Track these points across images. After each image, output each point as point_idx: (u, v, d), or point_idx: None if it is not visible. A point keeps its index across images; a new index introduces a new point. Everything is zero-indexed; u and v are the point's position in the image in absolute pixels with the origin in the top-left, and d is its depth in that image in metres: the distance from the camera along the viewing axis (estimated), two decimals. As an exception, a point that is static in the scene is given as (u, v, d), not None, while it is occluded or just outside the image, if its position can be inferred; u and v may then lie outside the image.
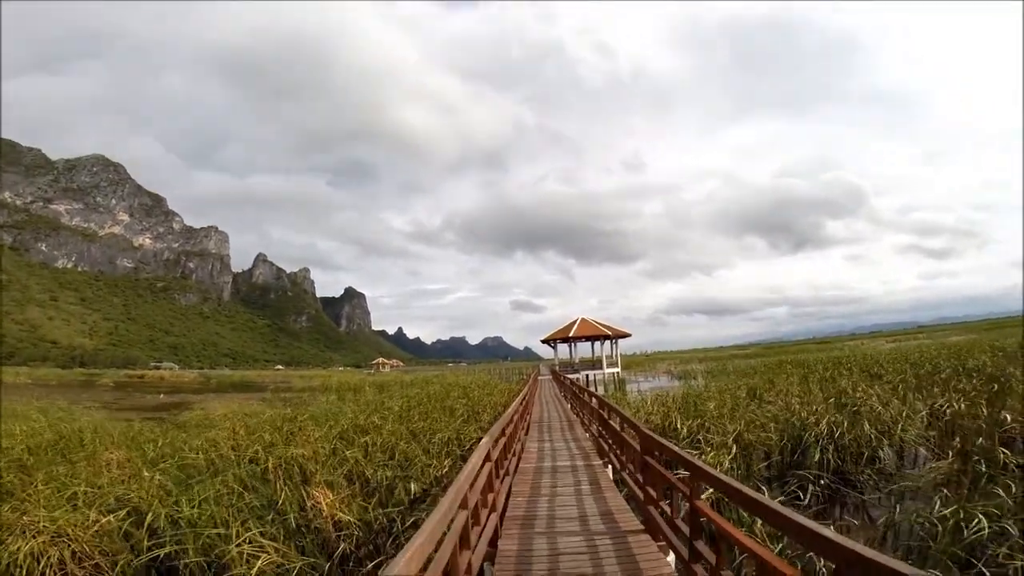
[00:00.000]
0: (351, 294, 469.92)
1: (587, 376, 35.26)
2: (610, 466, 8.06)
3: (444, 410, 15.14)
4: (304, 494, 6.67)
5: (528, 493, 6.43)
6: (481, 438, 5.50)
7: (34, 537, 5.43)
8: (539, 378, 33.19)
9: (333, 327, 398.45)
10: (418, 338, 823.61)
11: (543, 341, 41.85)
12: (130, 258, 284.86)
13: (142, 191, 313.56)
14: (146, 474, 7.49)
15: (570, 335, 38.62)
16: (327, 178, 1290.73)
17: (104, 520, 5.90)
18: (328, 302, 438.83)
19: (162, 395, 40.90)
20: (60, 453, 9.77)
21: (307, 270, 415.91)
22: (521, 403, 10.12)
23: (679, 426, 11.28)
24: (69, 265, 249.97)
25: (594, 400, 10.70)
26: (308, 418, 14.19)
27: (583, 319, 39.54)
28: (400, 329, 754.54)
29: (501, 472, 5.88)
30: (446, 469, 8.74)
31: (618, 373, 38.55)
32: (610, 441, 8.23)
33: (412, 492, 7.55)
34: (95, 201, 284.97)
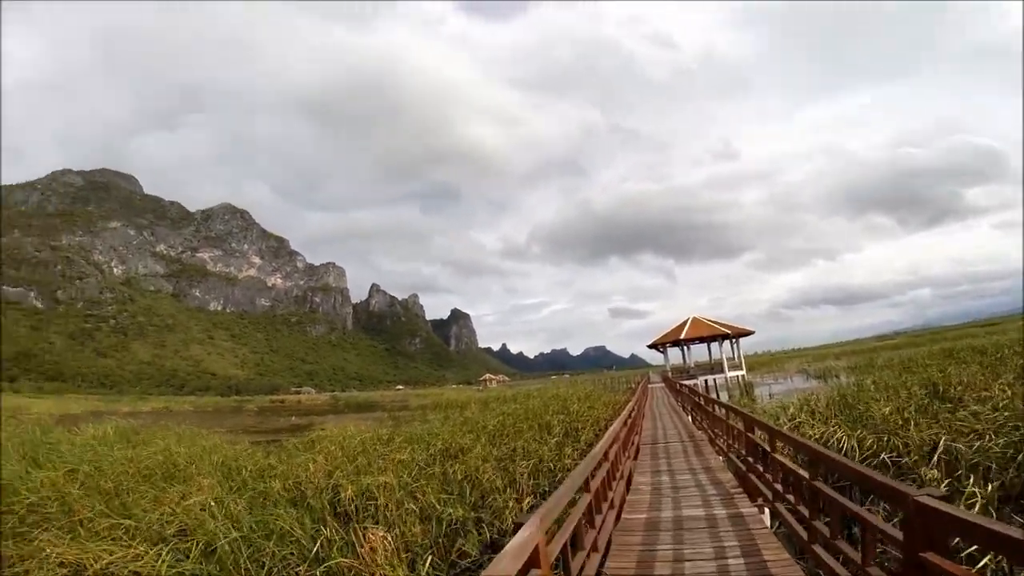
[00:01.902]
0: (457, 315, 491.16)
1: (706, 382, 31.65)
2: (767, 510, 5.94)
3: (540, 427, 13.68)
4: (358, 536, 5.59)
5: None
6: (576, 464, 3.96)
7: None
8: (649, 386, 30.38)
9: (444, 347, 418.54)
10: (521, 352, 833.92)
11: (651, 346, 38.74)
12: (266, 297, 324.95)
13: (267, 235, 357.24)
14: (211, 503, 7.04)
15: (681, 337, 35.14)
16: (419, 205, 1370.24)
17: (149, 552, 5.36)
18: (437, 324, 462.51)
19: (293, 417, 44.47)
20: (165, 478, 10.04)
21: (416, 295, 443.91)
22: (626, 420, 8.25)
23: (844, 438, 8.63)
24: (219, 307, 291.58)
25: (735, 421, 8.35)
26: (404, 440, 13.58)
27: (695, 318, 35.88)
28: (504, 345, 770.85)
29: (586, 546, 4.09)
30: (527, 507, 7.22)
31: (743, 376, 34.21)
32: (769, 477, 5.90)
33: (487, 538, 6.16)
34: (231, 247, 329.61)
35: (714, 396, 20.00)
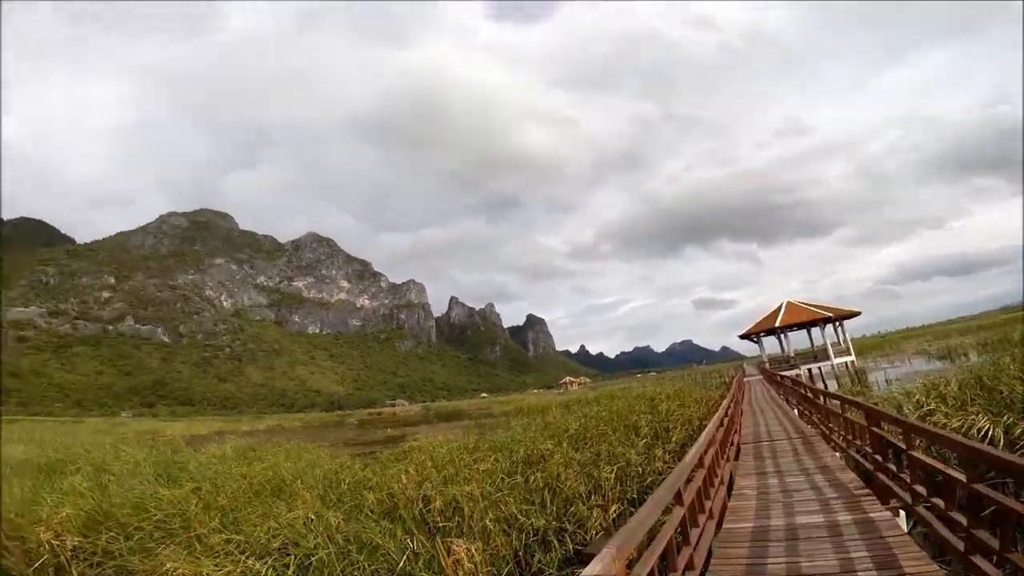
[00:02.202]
0: (532, 320, 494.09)
1: (809, 371, 28.91)
2: (903, 513, 5.04)
3: (627, 429, 13.02)
4: (442, 550, 5.48)
5: None
6: (670, 470, 3.55)
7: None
8: (745, 379, 28.28)
9: (522, 353, 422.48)
10: (601, 353, 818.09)
11: (743, 336, 36.19)
12: (357, 318, 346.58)
13: (351, 259, 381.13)
14: (311, 517, 7.32)
15: (776, 324, 32.48)
16: (484, 216, 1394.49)
17: (255, 566, 5.61)
18: (514, 331, 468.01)
19: (389, 429, 46.66)
20: (273, 493, 10.74)
21: (492, 305, 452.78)
22: (722, 419, 7.50)
23: (988, 426, 7.26)
24: (316, 330, 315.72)
25: (854, 414, 7.28)
26: (488, 448, 13.58)
27: (790, 303, 33.05)
28: (582, 346, 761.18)
29: (679, 566, 3.58)
30: (614, 515, 6.73)
31: (852, 362, 30.85)
32: (906, 477, 5.02)
33: (569, 548, 5.79)
34: (321, 274, 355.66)
35: (821, 386, 18.11)
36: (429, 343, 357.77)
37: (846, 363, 30.69)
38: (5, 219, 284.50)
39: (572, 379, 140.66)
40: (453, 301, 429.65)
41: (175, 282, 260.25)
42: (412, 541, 5.86)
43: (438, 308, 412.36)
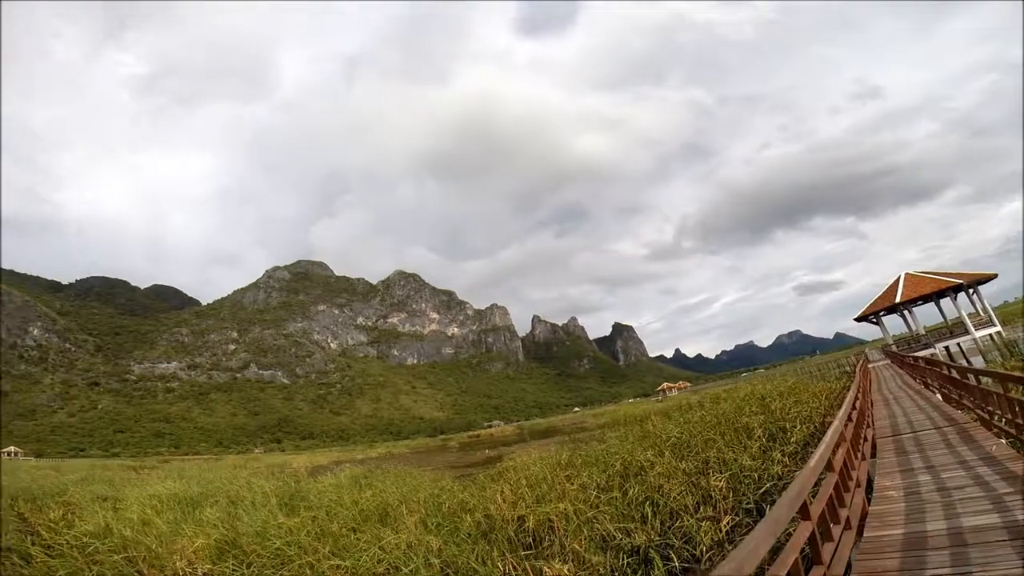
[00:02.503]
0: (619, 329, 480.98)
1: (947, 348, 24.99)
2: None
3: (737, 432, 11.87)
4: (531, 571, 5.14)
5: None
6: (791, 473, 2.98)
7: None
8: (870, 365, 25.06)
9: (613, 363, 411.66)
10: (699, 355, 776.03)
11: (859, 319, 32.29)
12: (449, 346, 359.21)
13: (437, 291, 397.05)
14: (413, 542, 7.34)
15: (897, 300, 28.55)
16: (552, 231, 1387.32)
17: None
18: (601, 342, 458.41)
19: (487, 450, 47.21)
20: (380, 519, 11.07)
21: (574, 318, 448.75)
22: (850, 413, 6.49)
23: None
24: (414, 362, 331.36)
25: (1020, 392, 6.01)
26: (581, 463, 13.08)
27: (909, 275, 29.06)
28: (677, 350, 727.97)
29: None
30: (727, 528, 5.96)
31: (999, 333, 26.18)
32: None
33: (676, 566, 5.18)
34: (412, 308, 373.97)
35: (963, 364, 15.50)
36: (517, 363, 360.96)
37: (991, 335, 26.01)
38: (143, 288, 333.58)
39: (670, 384, 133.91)
40: (535, 320, 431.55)
41: (287, 330, 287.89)
42: (503, 564, 5.61)
43: (522, 328, 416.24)
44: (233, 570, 6.95)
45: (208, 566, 6.92)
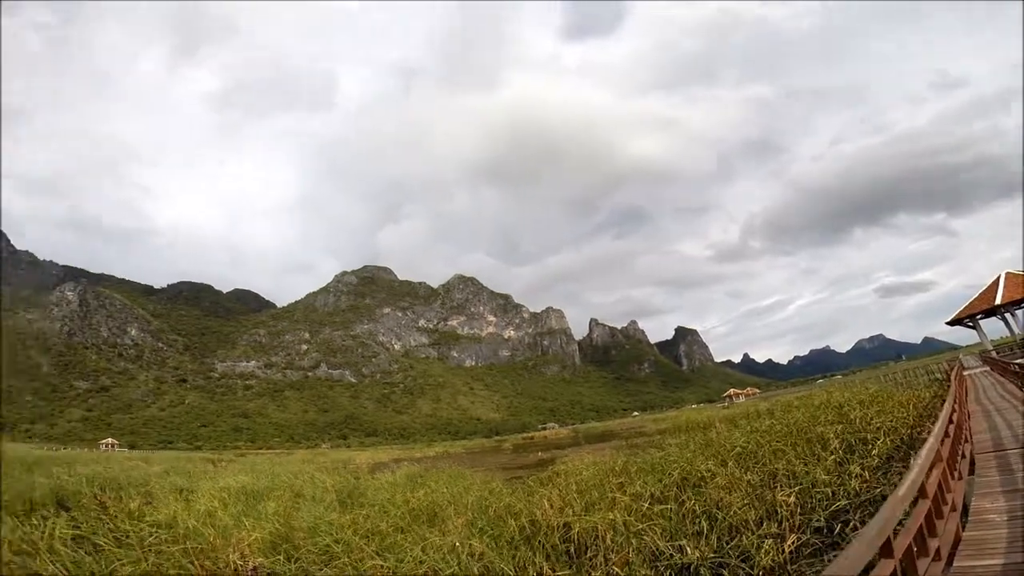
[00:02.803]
0: (682, 332, 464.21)
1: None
2: None
3: (810, 442, 10.84)
4: None
5: None
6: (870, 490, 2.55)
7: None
8: (965, 373, 22.40)
9: (675, 368, 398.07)
10: (769, 360, 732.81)
11: (952, 322, 29.07)
12: (505, 348, 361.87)
13: (495, 295, 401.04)
14: (456, 544, 7.19)
15: (997, 302, 25.38)
16: (611, 233, 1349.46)
17: None
18: (663, 346, 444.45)
19: (540, 453, 46.82)
20: (429, 519, 11.07)
21: (634, 322, 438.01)
22: (946, 427, 5.60)
23: None
24: (472, 363, 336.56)
25: None
26: (636, 470, 12.49)
27: (1009, 274, 25.80)
28: (746, 355, 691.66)
29: None
30: (791, 547, 5.29)
31: None
32: None
33: None
34: (470, 311, 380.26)
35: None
36: (574, 367, 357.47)
37: None
38: (225, 292, 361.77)
39: (737, 391, 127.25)
40: (593, 323, 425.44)
41: (354, 332, 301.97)
42: (540, 572, 5.31)
43: (579, 332, 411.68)
44: (283, 564, 7.12)
45: (260, 559, 7.13)
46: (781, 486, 7.30)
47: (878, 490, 6.16)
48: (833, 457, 8.37)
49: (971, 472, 6.29)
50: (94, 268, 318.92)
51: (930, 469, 3.95)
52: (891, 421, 10.81)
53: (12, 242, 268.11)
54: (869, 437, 9.98)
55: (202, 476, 23.00)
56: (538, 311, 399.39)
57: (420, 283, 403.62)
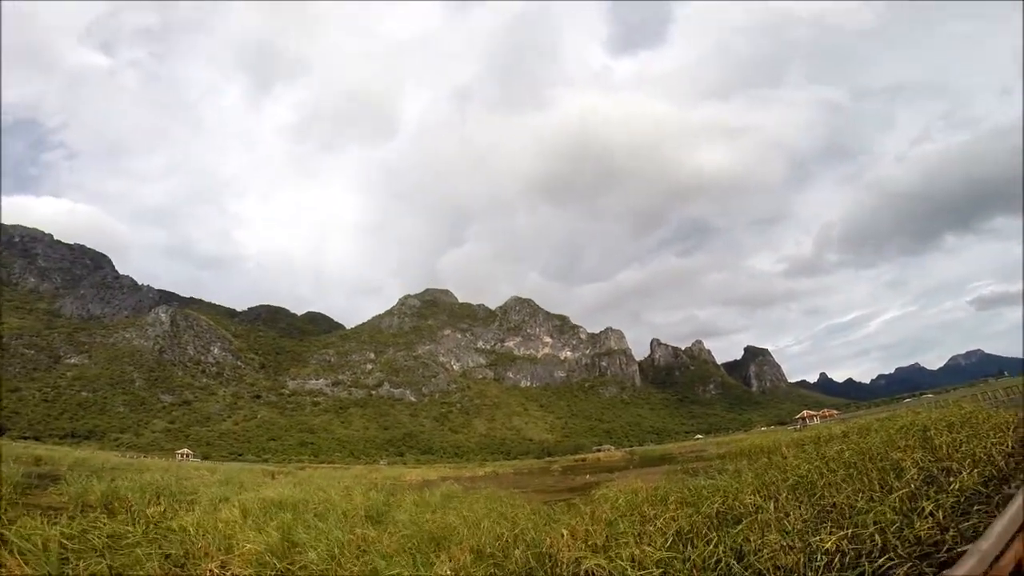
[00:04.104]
0: (752, 352, 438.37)
1: None
2: None
3: (881, 471, 9.16)
4: None
5: None
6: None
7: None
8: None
9: (744, 389, 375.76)
10: (850, 379, 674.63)
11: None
12: (561, 369, 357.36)
13: (551, 315, 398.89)
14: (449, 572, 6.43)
15: None
16: (674, 250, 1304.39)
17: None
18: (731, 367, 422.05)
19: (587, 476, 44.82)
20: (438, 542, 10.37)
21: (700, 342, 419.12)
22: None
23: None
24: (528, 384, 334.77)
25: None
26: (677, 499, 11.16)
27: None
28: (823, 375, 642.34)
29: None
30: None
31: None
32: None
33: None
34: (527, 333, 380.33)
35: None
36: (634, 388, 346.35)
37: None
38: (299, 314, 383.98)
39: (811, 412, 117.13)
40: (655, 343, 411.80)
41: (416, 352, 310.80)
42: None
43: (639, 352, 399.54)
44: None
45: (247, 571, 6.80)
46: (833, 525, 5.98)
47: (948, 535, 4.78)
48: (904, 491, 6.79)
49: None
50: (185, 292, 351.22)
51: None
52: (983, 448, 8.90)
53: (116, 267, 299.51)
54: (954, 466, 8.20)
55: (253, 487, 23.71)
56: (596, 332, 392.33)
57: (479, 305, 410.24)
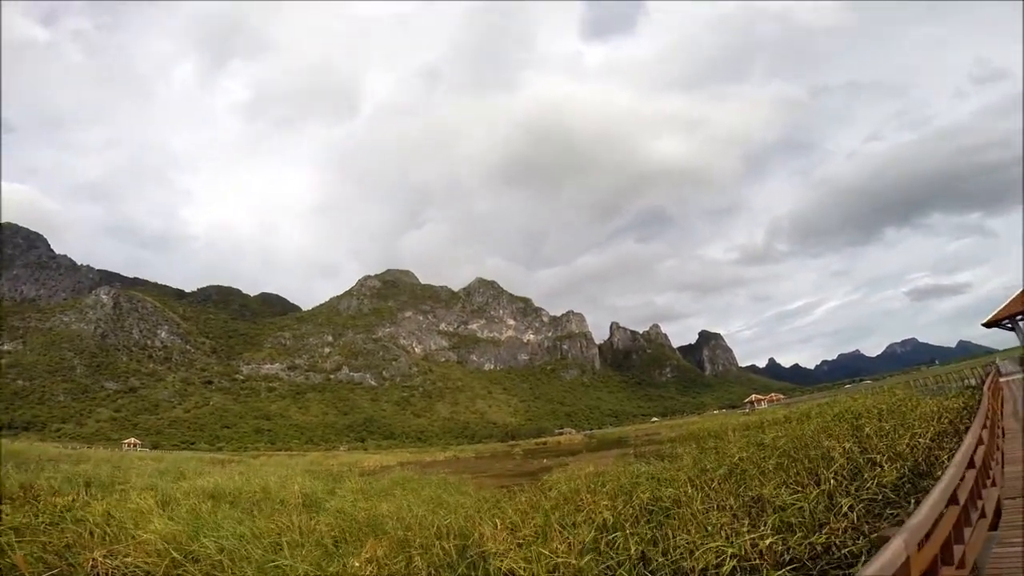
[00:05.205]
0: (706, 337, 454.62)
1: None
2: None
3: (811, 461, 9.29)
4: None
5: None
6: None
7: None
8: (1002, 379, 20.24)
9: (698, 372, 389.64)
10: (796, 365, 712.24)
11: (989, 324, 26.62)
12: (524, 352, 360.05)
13: (514, 298, 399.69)
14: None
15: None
16: (633, 236, 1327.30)
17: None
18: (686, 350, 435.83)
19: (545, 460, 45.30)
20: (365, 533, 9.97)
21: (657, 326, 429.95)
22: (971, 455, 4.10)
23: None
24: (491, 367, 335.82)
25: None
26: (612, 487, 11.07)
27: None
28: (772, 360, 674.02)
29: None
30: None
31: None
32: None
33: None
34: (490, 315, 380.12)
35: None
36: (593, 371, 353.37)
37: None
38: (252, 295, 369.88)
39: (759, 396, 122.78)
40: (614, 327, 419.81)
41: (376, 335, 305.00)
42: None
43: (599, 336, 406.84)
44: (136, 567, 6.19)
45: (139, 560, 6.22)
46: (755, 519, 5.87)
47: (858, 542, 4.69)
48: (826, 486, 6.77)
49: (994, 526, 4.61)
50: (129, 272, 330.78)
51: (929, 532, 2.53)
52: (907, 440, 9.12)
53: (52, 247, 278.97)
54: (879, 456, 8.36)
55: (193, 476, 22.71)
56: (558, 315, 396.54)
57: (441, 287, 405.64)
